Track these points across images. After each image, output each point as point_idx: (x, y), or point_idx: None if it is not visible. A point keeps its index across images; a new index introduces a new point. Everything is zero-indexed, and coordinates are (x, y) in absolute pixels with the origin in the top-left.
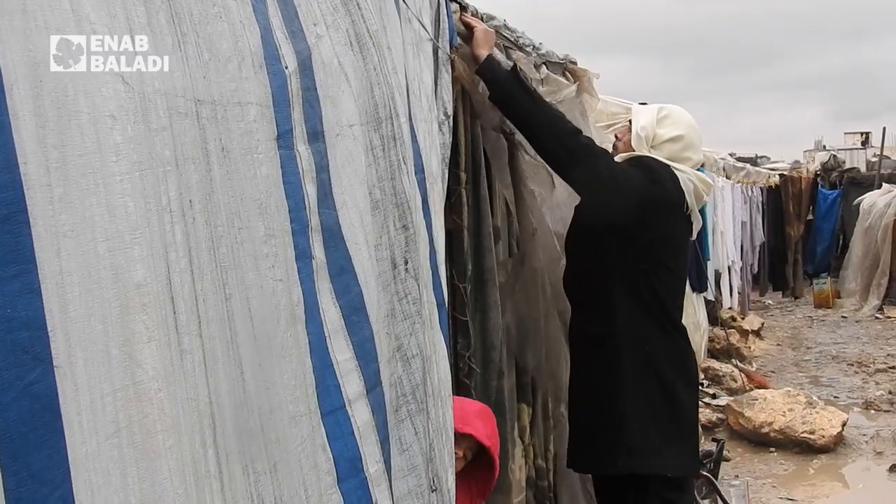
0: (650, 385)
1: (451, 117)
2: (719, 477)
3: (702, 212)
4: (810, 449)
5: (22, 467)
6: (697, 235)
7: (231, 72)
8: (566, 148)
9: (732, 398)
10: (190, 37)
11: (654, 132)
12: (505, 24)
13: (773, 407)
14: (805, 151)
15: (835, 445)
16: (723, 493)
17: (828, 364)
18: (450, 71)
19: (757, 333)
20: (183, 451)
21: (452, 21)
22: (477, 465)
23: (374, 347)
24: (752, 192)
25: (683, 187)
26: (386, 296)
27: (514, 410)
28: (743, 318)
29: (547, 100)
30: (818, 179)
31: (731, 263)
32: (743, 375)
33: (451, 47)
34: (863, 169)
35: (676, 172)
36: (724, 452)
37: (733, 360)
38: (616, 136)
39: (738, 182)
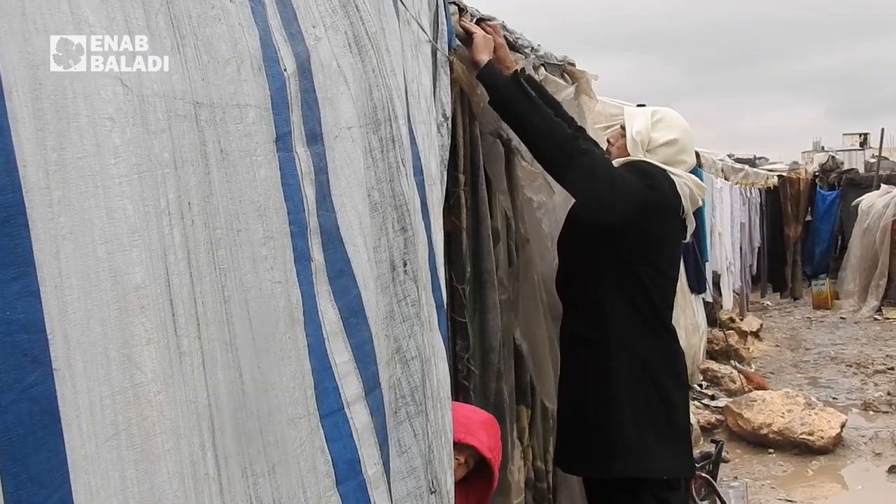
0: (647, 390)
1: (450, 119)
2: (718, 478)
3: (698, 213)
4: (809, 450)
5: (21, 470)
6: (696, 237)
7: (230, 74)
8: (565, 154)
9: (731, 399)
10: (189, 39)
11: (650, 136)
12: (503, 26)
13: (771, 408)
14: (803, 152)
15: (833, 447)
16: (722, 495)
17: (826, 365)
18: (448, 73)
19: (756, 335)
20: (182, 453)
21: (451, 23)
22: (478, 475)
23: (373, 349)
24: (751, 193)
25: (680, 192)
26: (385, 298)
27: (514, 412)
28: (742, 320)
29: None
30: (816, 180)
31: (728, 265)
32: (742, 377)
33: (449, 49)
34: (861, 170)
35: (672, 177)
36: (723, 454)
37: (732, 362)
38: (609, 141)
39: (737, 183)
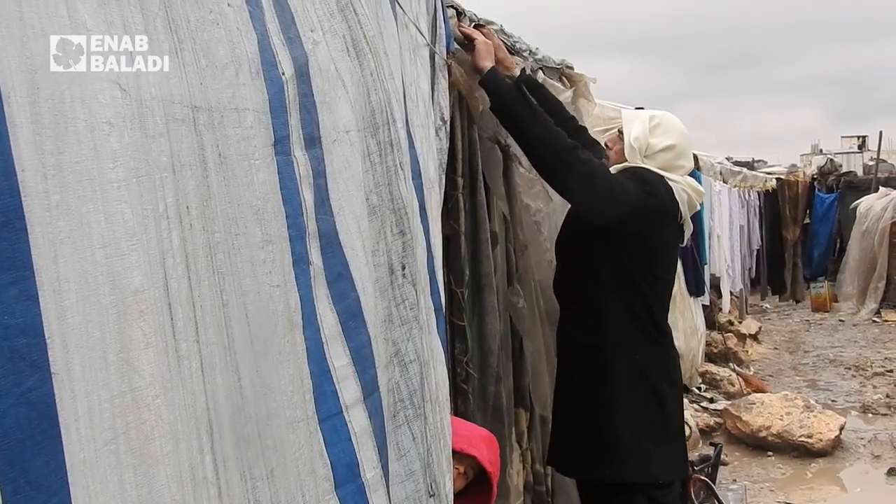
0: (644, 395)
1: (448, 122)
2: (717, 481)
3: (696, 217)
4: (808, 453)
5: (19, 474)
6: (694, 240)
7: (228, 78)
8: (564, 162)
9: (730, 402)
10: (187, 43)
11: (647, 142)
12: (502, 29)
13: (770, 411)
14: (802, 155)
15: (832, 449)
16: (721, 498)
17: (825, 368)
18: (446, 76)
19: (754, 337)
20: (180, 457)
21: (449, 26)
22: (476, 489)
23: (372, 353)
24: (750, 196)
25: (677, 197)
26: (383, 301)
27: (512, 415)
28: (740, 322)
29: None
30: (815, 183)
31: (727, 268)
32: (740, 379)
33: (447, 52)
34: (860, 173)
35: (670, 183)
36: (722, 457)
37: (731, 365)
38: (606, 145)
39: (735, 186)
